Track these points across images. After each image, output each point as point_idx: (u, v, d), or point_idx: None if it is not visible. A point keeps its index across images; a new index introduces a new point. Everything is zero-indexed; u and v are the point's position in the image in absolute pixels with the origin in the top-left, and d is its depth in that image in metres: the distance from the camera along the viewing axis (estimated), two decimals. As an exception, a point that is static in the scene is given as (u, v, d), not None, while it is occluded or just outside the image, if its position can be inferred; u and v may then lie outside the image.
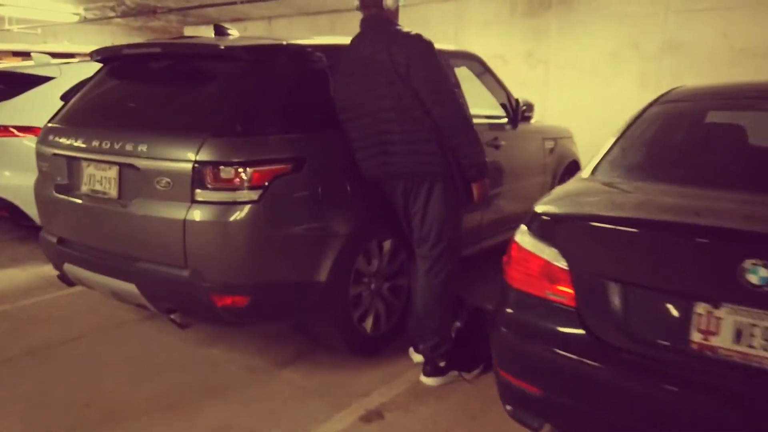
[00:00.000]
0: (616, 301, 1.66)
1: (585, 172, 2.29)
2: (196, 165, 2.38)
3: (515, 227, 4.32)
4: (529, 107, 4.23)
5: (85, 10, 9.97)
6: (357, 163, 2.72)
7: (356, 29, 2.70)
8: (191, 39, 3.06)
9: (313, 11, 8.61)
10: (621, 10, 5.77)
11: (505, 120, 4.11)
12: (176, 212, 2.43)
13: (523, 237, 1.91)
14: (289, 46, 2.79)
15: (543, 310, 1.80)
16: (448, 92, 2.52)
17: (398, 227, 2.90)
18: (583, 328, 1.71)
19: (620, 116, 6.01)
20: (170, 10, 8.36)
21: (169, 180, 2.44)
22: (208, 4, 7.73)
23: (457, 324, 2.90)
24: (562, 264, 1.76)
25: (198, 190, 2.40)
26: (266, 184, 2.44)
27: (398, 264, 3.09)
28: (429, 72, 2.49)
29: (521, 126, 4.21)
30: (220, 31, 3.07)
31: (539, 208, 1.92)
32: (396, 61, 2.48)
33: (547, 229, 1.85)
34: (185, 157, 2.41)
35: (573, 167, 5.18)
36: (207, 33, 3.76)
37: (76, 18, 10.40)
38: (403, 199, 2.69)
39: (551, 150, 4.72)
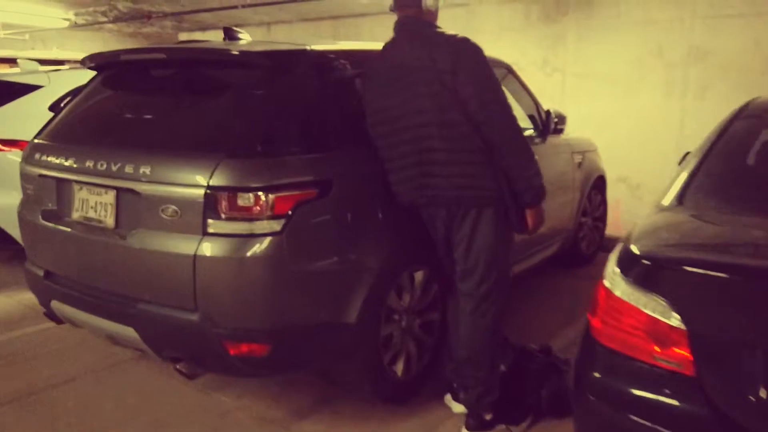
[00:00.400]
0: (754, 372, 1.31)
1: (667, 200, 1.95)
2: (208, 191, 2.03)
3: (545, 249, 3.99)
4: (561, 119, 3.91)
5: (76, 15, 9.56)
6: (390, 186, 2.37)
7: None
8: (199, 43, 2.71)
9: (315, 17, 8.27)
10: (644, 16, 5.50)
11: (533, 132, 3.79)
12: (185, 246, 2.07)
13: (616, 284, 1.56)
14: (313, 51, 2.45)
15: (648, 379, 1.45)
16: (501, 105, 2.19)
17: (431, 254, 2.55)
18: (707, 405, 1.36)
19: (643, 127, 5.77)
20: (165, 15, 7.99)
21: (176, 208, 2.08)
22: (205, 9, 7.38)
23: (502, 367, 2.55)
24: (675, 321, 1.42)
25: (211, 220, 2.04)
26: (290, 212, 2.09)
27: (431, 297, 2.74)
28: (479, 81, 2.16)
29: (550, 139, 3.88)
30: (230, 35, 2.72)
31: (638, 249, 1.57)
32: (440, 69, 2.14)
33: (652, 276, 1.50)
34: (196, 182, 2.05)
35: (599, 183, 4.88)
36: (202, 39, 3.38)
37: (66, 23, 10.00)
38: (445, 228, 2.35)
39: (579, 164, 4.40)
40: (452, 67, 2.13)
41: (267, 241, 2.05)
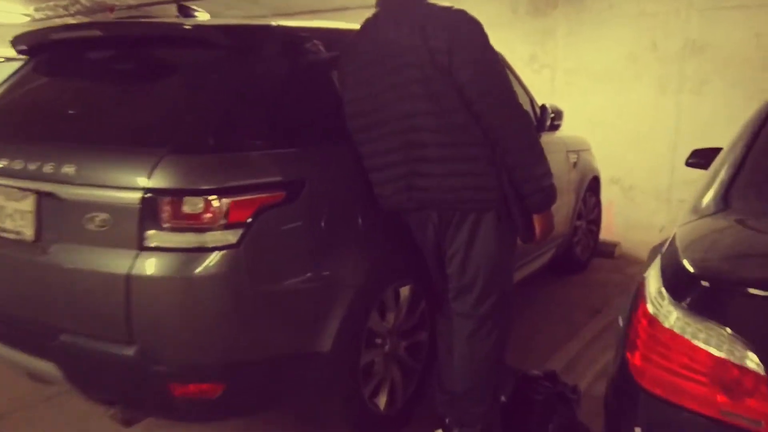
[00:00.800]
0: None
1: (706, 203, 1.61)
2: (146, 195, 1.63)
3: (541, 257, 3.64)
4: (558, 114, 3.57)
5: (36, 10, 9.04)
6: (373, 187, 2.00)
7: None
8: (145, 19, 2.31)
9: (292, 12, 7.87)
10: (637, 9, 5.22)
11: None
12: (117, 263, 1.66)
13: (665, 311, 1.21)
14: (280, 28, 2.06)
15: (716, 440, 1.10)
16: (506, 91, 1.83)
17: (418, 266, 2.19)
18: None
19: (637, 125, 5.44)
20: (129, 7, 7.53)
21: (106, 216, 1.68)
22: (171, 0, 6.94)
23: (502, 398, 2.19)
24: (752, 363, 1.07)
25: (150, 232, 1.65)
26: (249, 220, 1.70)
27: (418, 315, 2.37)
28: (479, 62, 1.80)
29: (545, 136, 3.54)
30: (184, 12, 2.32)
31: (693, 265, 1.22)
32: (433, 48, 1.77)
33: (716, 302, 1.15)
34: (131, 183, 1.65)
35: (594, 184, 4.57)
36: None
37: (27, 19, 9.47)
38: (437, 237, 1.98)
39: (574, 164, 4.08)
40: (448, 45, 1.77)
41: (221, 255, 1.66)
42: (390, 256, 2.17)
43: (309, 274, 1.85)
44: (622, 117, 5.37)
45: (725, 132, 5.08)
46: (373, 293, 2.08)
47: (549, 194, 1.88)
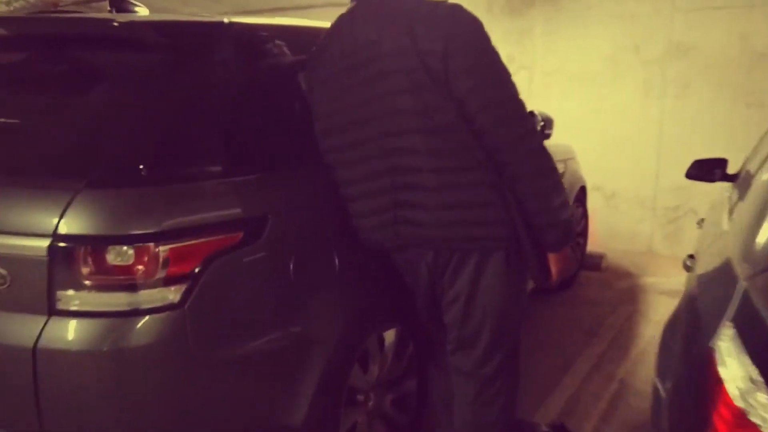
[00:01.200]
0: None
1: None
2: (57, 243, 1.24)
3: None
4: (548, 123, 3.28)
5: (-25, 6, 8.37)
6: (351, 220, 1.65)
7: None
8: (66, 13, 1.90)
9: (255, 9, 7.45)
10: (619, 9, 5.00)
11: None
12: (20, 332, 1.27)
13: (760, 404, 0.89)
14: (235, 26, 1.68)
15: None
16: (514, 103, 1.50)
17: (405, 305, 1.84)
18: None
19: (619, 130, 5.18)
20: (76, 3, 6.98)
21: (4, 272, 1.28)
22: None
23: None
24: None
25: (62, 291, 1.26)
26: (197, 270, 1.32)
27: (405, 361, 2.03)
28: (482, 68, 1.46)
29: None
30: (118, 6, 1.91)
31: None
32: (423, 50, 1.43)
33: None
34: (36, 228, 1.26)
35: (581, 195, 4.30)
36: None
37: (-35, 15, 8.77)
38: (431, 278, 1.63)
39: (562, 174, 3.79)
40: (443, 47, 1.42)
41: (159, 320, 1.28)
42: (372, 299, 1.82)
43: (275, 334, 1.48)
44: (604, 121, 5.14)
45: (710, 136, 4.88)
46: (354, 346, 1.73)
47: (567, 229, 1.55)
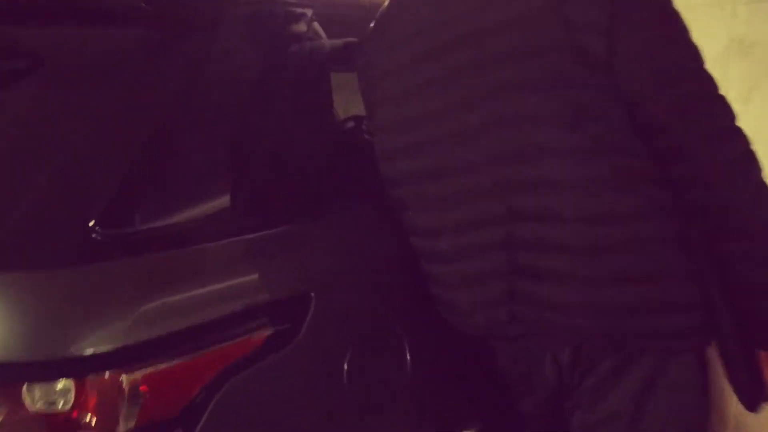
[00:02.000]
0: None
1: None
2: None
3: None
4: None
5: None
6: (434, 292, 1.05)
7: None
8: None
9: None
10: (674, 1, 4.48)
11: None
12: None
13: None
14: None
15: None
16: (723, 110, 0.91)
17: (488, 397, 1.25)
18: None
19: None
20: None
21: None
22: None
23: None
24: None
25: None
26: (194, 407, 0.73)
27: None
28: (672, 68, 0.88)
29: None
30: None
31: None
32: (575, 22, 0.84)
33: None
34: None
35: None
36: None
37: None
38: (560, 381, 1.03)
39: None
40: (607, 18, 0.84)
41: None
42: (450, 398, 1.23)
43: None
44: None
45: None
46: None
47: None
